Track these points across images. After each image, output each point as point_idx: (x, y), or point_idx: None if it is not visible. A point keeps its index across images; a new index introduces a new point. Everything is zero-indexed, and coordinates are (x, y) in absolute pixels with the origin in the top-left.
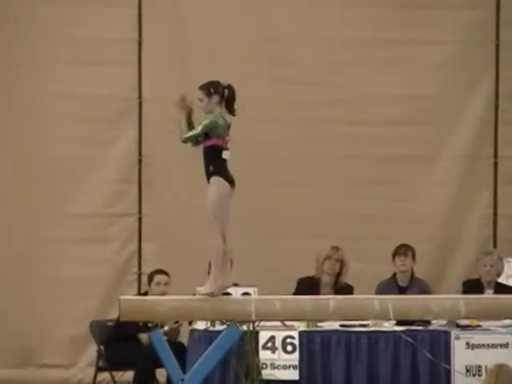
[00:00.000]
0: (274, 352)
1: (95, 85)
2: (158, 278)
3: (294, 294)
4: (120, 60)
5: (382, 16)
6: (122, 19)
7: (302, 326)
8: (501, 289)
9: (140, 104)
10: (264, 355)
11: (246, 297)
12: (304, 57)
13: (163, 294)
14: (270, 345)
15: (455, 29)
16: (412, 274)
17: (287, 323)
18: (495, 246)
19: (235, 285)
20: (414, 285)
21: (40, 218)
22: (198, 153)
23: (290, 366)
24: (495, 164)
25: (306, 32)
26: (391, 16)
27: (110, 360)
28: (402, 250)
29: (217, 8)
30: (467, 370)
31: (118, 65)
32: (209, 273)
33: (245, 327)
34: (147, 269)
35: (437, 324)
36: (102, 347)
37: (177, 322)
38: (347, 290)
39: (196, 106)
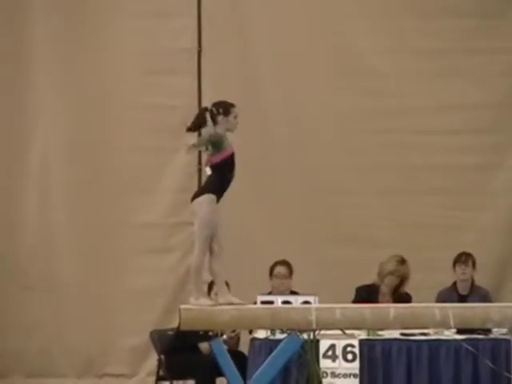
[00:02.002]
0: (334, 360)
1: (157, 95)
2: None
3: (354, 301)
4: (180, 70)
5: (448, 26)
6: (182, 30)
7: (362, 335)
8: None
9: None
10: (324, 364)
11: (306, 305)
12: (373, 67)
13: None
14: (330, 353)
15: None
16: (472, 282)
17: (347, 332)
18: None
19: (295, 293)
20: (475, 293)
21: (103, 227)
22: (254, 164)
23: (350, 375)
24: None
25: (377, 42)
26: (457, 26)
27: (170, 369)
28: (463, 259)
29: (281, 16)
30: None
31: (179, 75)
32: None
33: (305, 336)
34: (208, 278)
35: (498, 332)
36: (163, 356)
37: (234, 331)
38: (406, 298)
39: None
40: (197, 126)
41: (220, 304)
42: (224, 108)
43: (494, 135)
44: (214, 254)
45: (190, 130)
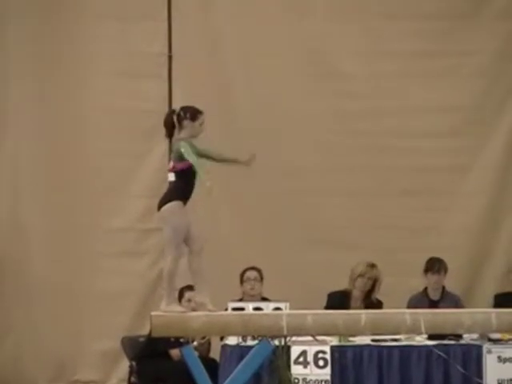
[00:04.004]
0: (305, 367)
1: (127, 99)
2: (189, 294)
3: (325, 308)
4: (151, 75)
5: (419, 28)
6: (152, 34)
7: (333, 341)
8: None
9: None
10: (296, 370)
11: (277, 311)
12: (345, 69)
13: (194, 310)
14: (301, 359)
15: (491, 39)
16: (443, 287)
17: (319, 338)
18: None
19: (266, 299)
20: (446, 298)
21: (75, 231)
22: (225, 168)
23: (322, 381)
24: None
25: (347, 45)
26: (429, 28)
27: (141, 376)
28: (436, 268)
29: (252, 20)
30: None
31: (150, 79)
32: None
33: (276, 342)
34: (179, 284)
35: (469, 338)
36: (134, 363)
37: (204, 338)
38: (377, 305)
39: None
40: (171, 130)
41: (195, 303)
42: (191, 113)
43: (465, 137)
44: (193, 253)
45: (167, 136)
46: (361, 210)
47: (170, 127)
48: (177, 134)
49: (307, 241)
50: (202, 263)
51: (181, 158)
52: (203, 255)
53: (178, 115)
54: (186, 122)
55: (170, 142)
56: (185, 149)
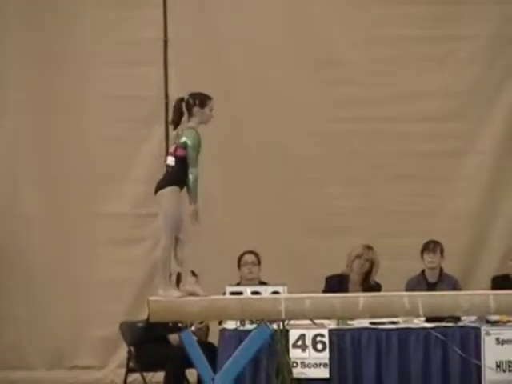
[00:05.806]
0: (304, 350)
1: (124, 86)
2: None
3: (323, 291)
4: (147, 61)
5: (415, 13)
6: (148, 20)
7: (331, 324)
8: None
9: (166, 105)
10: (294, 354)
11: (275, 295)
12: (340, 55)
13: (192, 295)
14: (300, 343)
15: (487, 23)
16: (441, 269)
17: (317, 321)
18: None
19: (264, 283)
20: (444, 281)
21: (72, 218)
22: (223, 154)
23: (320, 364)
24: None
25: (344, 31)
26: (424, 13)
27: (140, 361)
28: (431, 247)
29: (249, 5)
30: (497, 366)
31: (146, 66)
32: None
33: (275, 326)
34: (177, 269)
35: (467, 320)
36: (133, 348)
37: (202, 322)
38: (375, 288)
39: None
40: (178, 117)
41: (183, 292)
42: (200, 100)
43: (461, 122)
44: (179, 242)
45: (173, 123)
46: (358, 195)
47: (179, 115)
48: (185, 122)
49: (305, 225)
50: (187, 253)
51: (186, 145)
52: (190, 245)
53: (187, 102)
54: (195, 109)
55: (175, 129)
56: (193, 144)
